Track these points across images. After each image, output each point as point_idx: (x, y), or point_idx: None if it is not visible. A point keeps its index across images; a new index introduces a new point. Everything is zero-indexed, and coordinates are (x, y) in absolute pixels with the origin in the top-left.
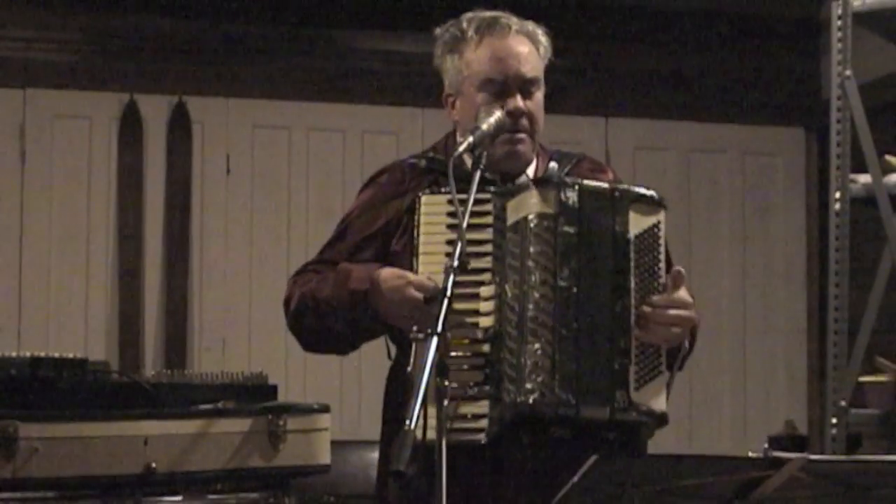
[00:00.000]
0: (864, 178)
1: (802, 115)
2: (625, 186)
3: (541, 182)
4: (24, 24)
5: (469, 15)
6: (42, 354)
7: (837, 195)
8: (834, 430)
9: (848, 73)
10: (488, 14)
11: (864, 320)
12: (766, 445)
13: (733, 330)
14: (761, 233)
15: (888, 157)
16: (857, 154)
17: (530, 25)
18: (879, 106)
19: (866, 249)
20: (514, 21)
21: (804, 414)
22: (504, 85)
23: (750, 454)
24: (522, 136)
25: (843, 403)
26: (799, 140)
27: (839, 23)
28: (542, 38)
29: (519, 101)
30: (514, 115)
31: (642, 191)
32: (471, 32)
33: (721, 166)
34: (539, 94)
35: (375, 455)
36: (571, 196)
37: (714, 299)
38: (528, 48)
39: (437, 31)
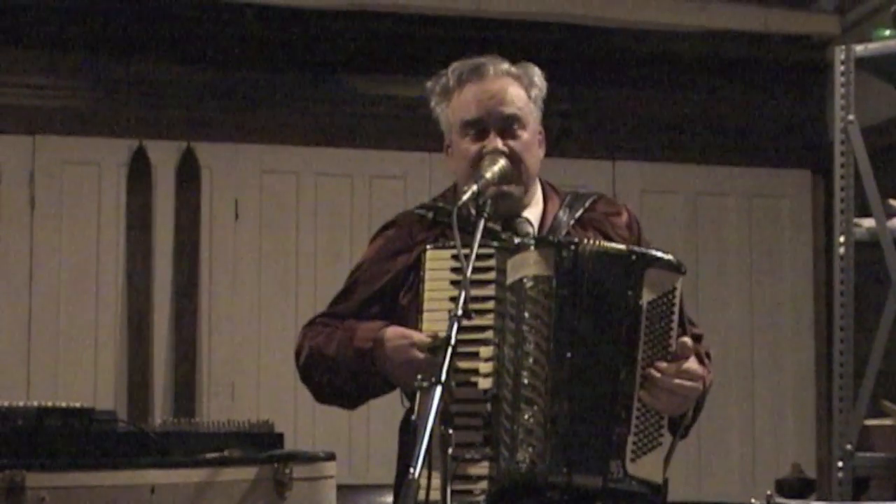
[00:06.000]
0: (868, 222)
1: (808, 158)
2: (641, 250)
3: (540, 242)
4: (34, 71)
5: (455, 64)
6: (49, 404)
7: (842, 239)
8: (840, 474)
9: (851, 117)
10: (473, 60)
11: (870, 363)
12: (768, 492)
13: (741, 372)
14: (768, 275)
15: (892, 201)
16: (862, 197)
17: (519, 67)
18: (883, 149)
19: (871, 292)
20: (500, 64)
21: (813, 456)
22: (482, 125)
23: (753, 502)
24: None
25: (849, 447)
26: (805, 182)
27: (842, 67)
28: (535, 78)
29: (497, 143)
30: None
31: (660, 255)
32: (453, 81)
33: (728, 209)
34: (524, 133)
35: (383, 500)
36: (571, 258)
37: (722, 342)
38: (511, 87)
39: (428, 84)
